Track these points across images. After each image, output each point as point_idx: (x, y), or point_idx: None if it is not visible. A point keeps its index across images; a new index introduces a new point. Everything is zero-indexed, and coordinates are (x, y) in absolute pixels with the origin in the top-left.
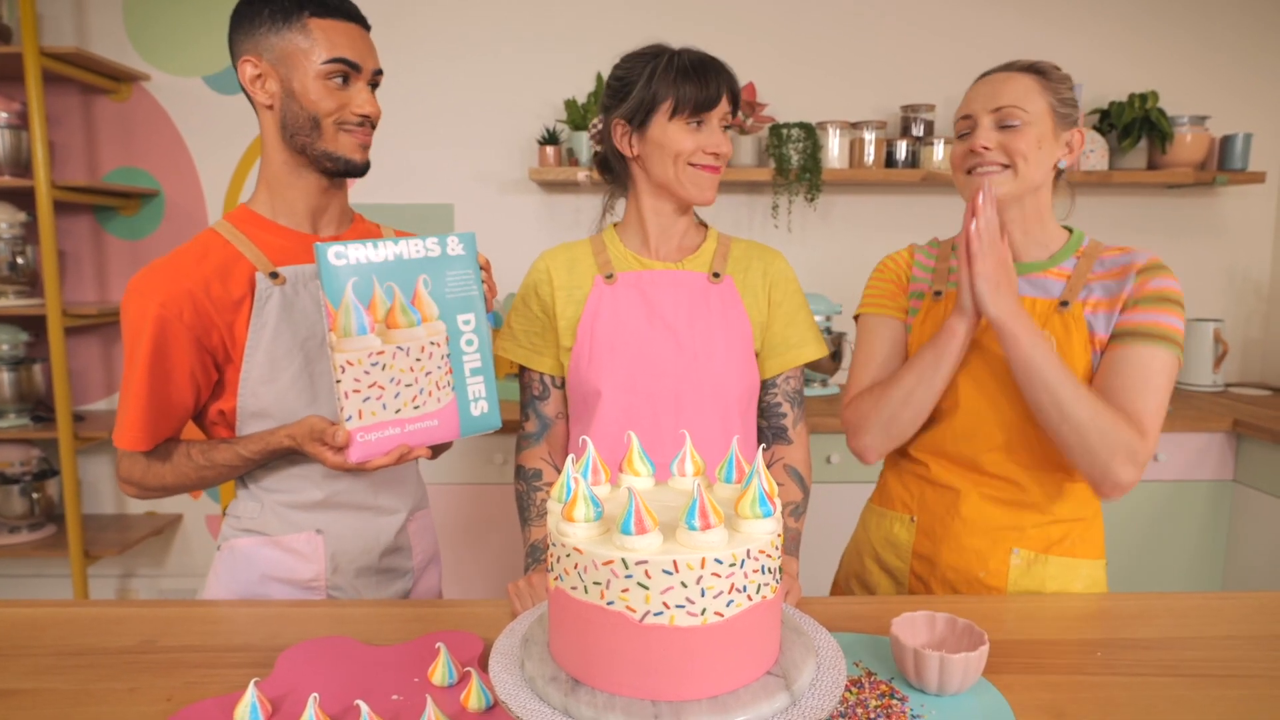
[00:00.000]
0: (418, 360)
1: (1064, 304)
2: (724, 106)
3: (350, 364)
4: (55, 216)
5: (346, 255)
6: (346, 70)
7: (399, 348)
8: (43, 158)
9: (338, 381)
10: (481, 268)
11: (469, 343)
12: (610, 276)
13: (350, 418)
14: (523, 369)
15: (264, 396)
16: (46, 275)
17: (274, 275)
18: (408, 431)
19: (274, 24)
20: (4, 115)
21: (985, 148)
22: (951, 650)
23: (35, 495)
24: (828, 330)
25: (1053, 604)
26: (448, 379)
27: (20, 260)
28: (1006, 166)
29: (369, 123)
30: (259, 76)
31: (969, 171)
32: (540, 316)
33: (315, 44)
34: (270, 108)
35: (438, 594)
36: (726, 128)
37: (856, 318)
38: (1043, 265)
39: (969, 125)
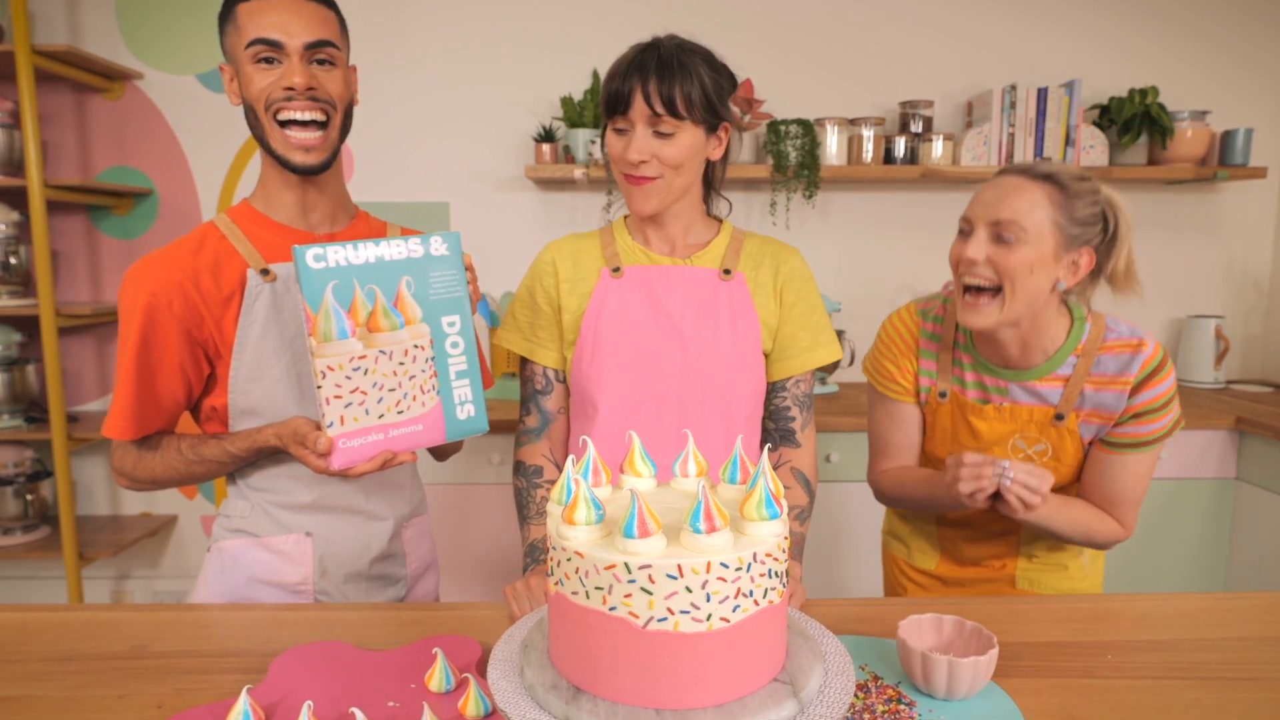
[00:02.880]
0: (401, 364)
1: (1059, 417)
2: (640, 108)
3: (331, 369)
4: (48, 216)
5: (325, 258)
6: (269, 51)
7: (381, 351)
8: (35, 157)
9: (318, 387)
10: (466, 268)
11: (454, 345)
12: (617, 270)
13: (332, 424)
14: (524, 362)
15: (252, 394)
16: (39, 275)
17: (265, 272)
18: (391, 437)
19: (223, 25)
20: None
21: (972, 260)
22: (960, 654)
23: (29, 497)
24: None
25: (1061, 606)
26: (432, 382)
27: (13, 260)
28: (997, 291)
29: (301, 98)
30: (231, 79)
31: (960, 276)
32: (544, 309)
33: (241, 29)
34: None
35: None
36: (661, 134)
37: (866, 373)
38: (1039, 373)
39: (968, 227)
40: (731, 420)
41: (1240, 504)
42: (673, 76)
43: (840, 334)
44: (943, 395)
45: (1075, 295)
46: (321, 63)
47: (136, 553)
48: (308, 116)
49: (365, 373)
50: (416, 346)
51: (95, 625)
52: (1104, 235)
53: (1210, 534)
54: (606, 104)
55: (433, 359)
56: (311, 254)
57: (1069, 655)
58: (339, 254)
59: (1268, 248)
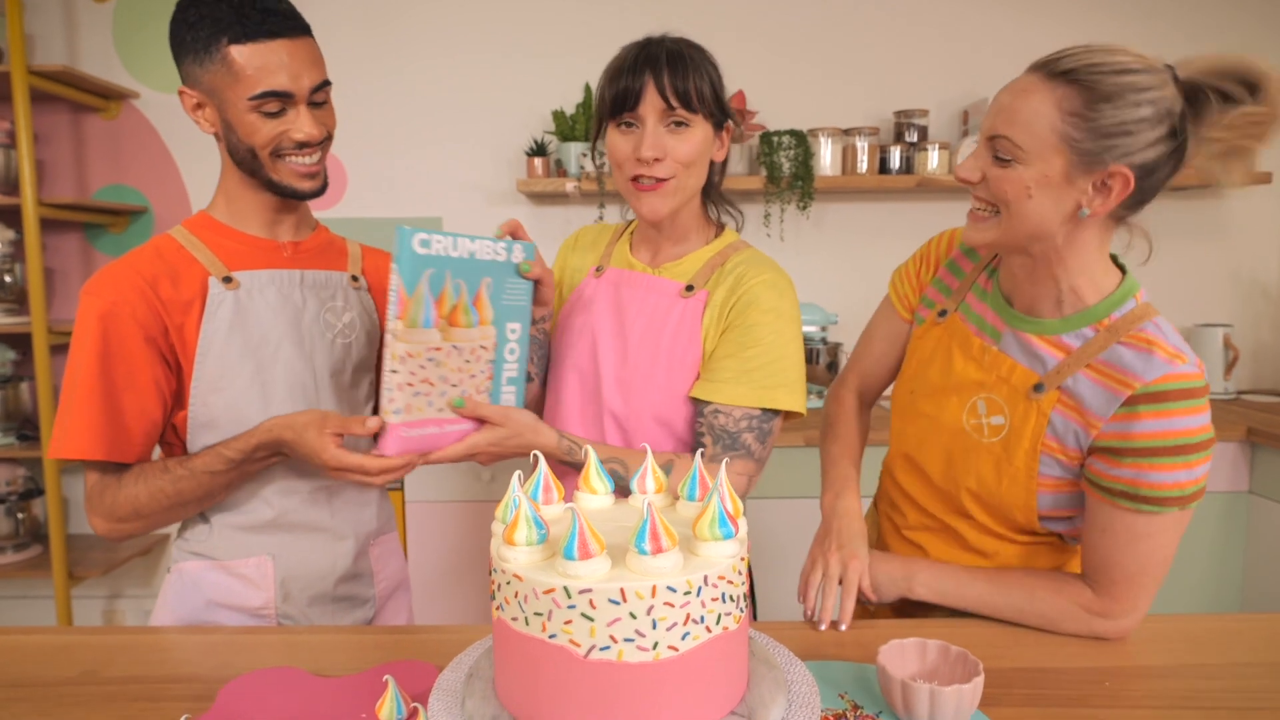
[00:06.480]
0: (467, 361)
1: (1038, 388)
2: (653, 101)
3: (411, 355)
4: (45, 234)
5: (430, 244)
6: (279, 103)
7: (454, 346)
8: (29, 175)
9: (393, 371)
10: (541, 281)
11: (511, 351)
12: (599, 270)
13: (399, 411)
14: None
15: (214, 405)
16: (32, 293)
17: (227, 280)
18: (444, 432)
19: (196, 55)
20: None
21: (964, 180)
22: (944, 681)
23: (21, 515)
24: (823, 341)
25: (1050, 631)
26: (487, 384)
27: (8, 278)
28: (996, 211)
29: (311, 145)
30: (198, 106)
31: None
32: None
33: (239, 76)
34: (216, 135)
35: (406, 623)
36: (676, 125)
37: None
38: (1045, 328)
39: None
40: (680, 439)
41: (1254, 518)
42: (686, 68)
43: (837, 346)
44: (942, 314)
45: (1128, 225)
46: (319, 104)
47: (127, 572)
48: (313, 157)
49: (437, 364)
50: (482, 347)
51: (47, 649)
52: (1171, 139)
53: (1223, 552)
54: (613, 102)
55: (492, 362)
56: (419, 239)
57: (1062, 683)
58: (441, 244)
59: (1275, 254)
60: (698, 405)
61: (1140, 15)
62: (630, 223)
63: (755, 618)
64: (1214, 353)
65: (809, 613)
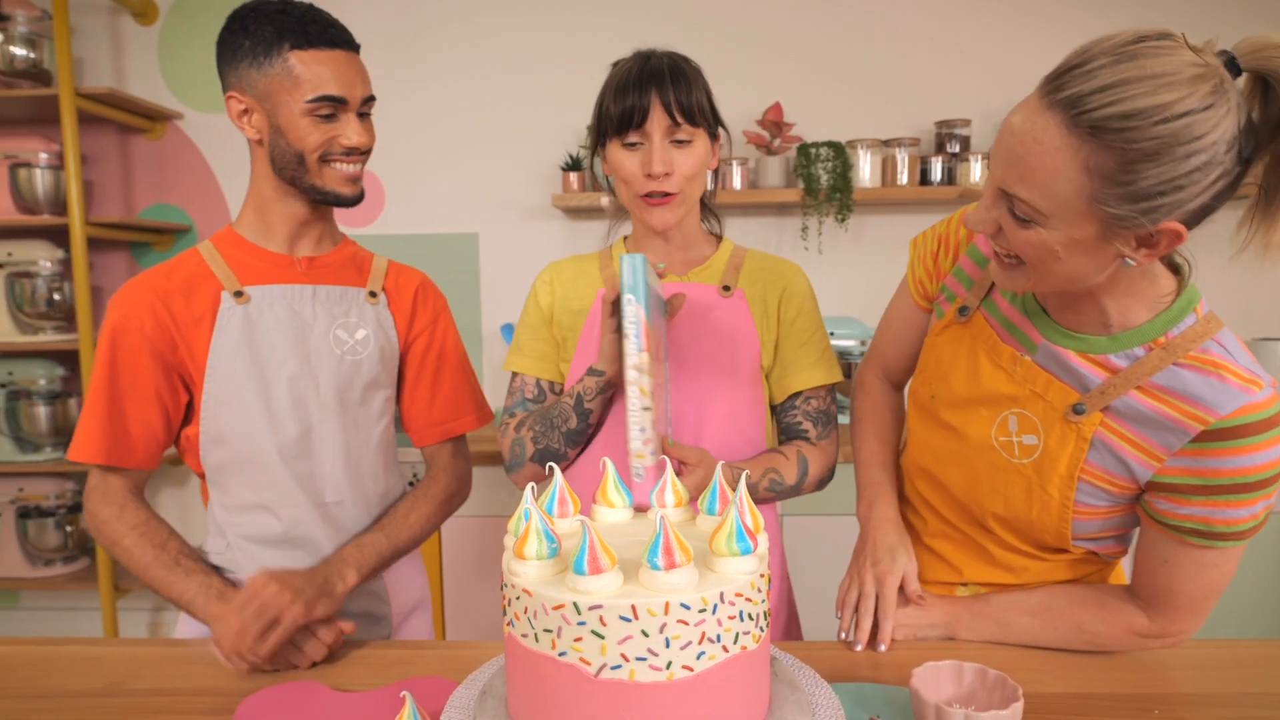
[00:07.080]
0: (662, 401)
1: (1078, 409)
2: (660, 119)
3: (653, 391)
4: (92, 253)
5: (651, 274)
6: (333, 107)
7: (658, 382)
8: (76, 196)
9: (646, 409)
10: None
11: (668, 390)
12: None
13: (655, 451)
14: (513, 376)
15: (222, 420)
16: (80, 310)
17: (238, 294)
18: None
19: (254, 58)
20: (44, 156)
21: (977, 232)
22: (981, 706)
23: (69, 528)
24: (862, 355)
25: (1099, 652)
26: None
27: (57, 296)
28: (1020, 261)
29: (358, 153)
30: (245, 111)
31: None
32: (539, 326)
33: (298, 80)
34: (259, 142)
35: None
36: (679, 141)
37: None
38: (1091, 346)
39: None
40: (745, 435)
41: None
42: (688, 84)
43: None
44: (963, 312)
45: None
46: (364, 116)
47: None
48: (357, 165)
49: (654, 398)
50: (660, 384)
51: (77, 661)
52: (1235, 168)
53: (1278, 573)
54: (620, 120)
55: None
56: (649, 268)
57: (1107, 709)
58: (653, 275)
59: None
60: (783, 403)
61: (1184, 21)
62: (612, 246)
63: (801, 637)
64: (1274, 369)
65: (842, 632)
